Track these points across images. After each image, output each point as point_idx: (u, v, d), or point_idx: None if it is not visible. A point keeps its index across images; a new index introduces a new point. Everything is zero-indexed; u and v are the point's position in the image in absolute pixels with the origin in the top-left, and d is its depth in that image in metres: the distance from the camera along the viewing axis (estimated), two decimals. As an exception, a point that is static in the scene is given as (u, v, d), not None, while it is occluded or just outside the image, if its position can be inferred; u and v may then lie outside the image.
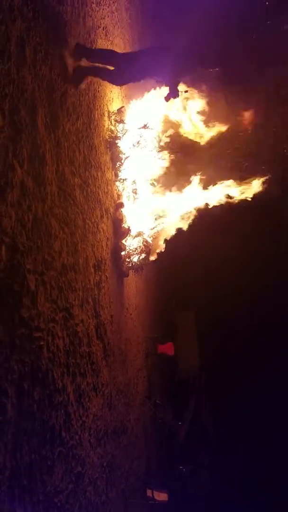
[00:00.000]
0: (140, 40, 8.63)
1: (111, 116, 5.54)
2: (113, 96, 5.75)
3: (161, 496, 6.60)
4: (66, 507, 2.92)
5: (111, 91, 5.60)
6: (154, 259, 7.06)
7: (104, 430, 4.27)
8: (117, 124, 5.58)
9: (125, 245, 5.93)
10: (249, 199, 6.14)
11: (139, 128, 5.83)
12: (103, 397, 4.32)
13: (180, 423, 12.58)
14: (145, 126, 5.88)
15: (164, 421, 9.66)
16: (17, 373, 2.21)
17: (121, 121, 5.65)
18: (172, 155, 6.04)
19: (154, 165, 6.09)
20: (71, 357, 3.23)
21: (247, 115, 5.91)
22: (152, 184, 6.24)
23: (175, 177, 6.18)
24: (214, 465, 14.45)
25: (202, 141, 5.98)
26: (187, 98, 5.49)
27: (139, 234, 6.43)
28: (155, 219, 6.60)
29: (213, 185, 6.13)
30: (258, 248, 15.55)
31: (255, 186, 6.10)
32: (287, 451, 14.12)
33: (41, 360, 2.59)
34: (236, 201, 6.19)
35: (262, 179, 6.08)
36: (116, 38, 6.07)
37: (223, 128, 5.80)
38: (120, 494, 4.94)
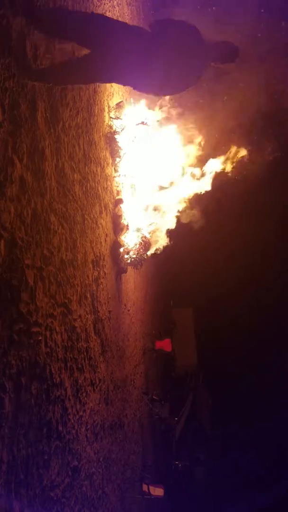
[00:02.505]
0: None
1: (110, 111, 5.52)
2: (113, 91, 5.72)
3: (157, 491, 6.64)
4: (62, 501, 2.94)
5: (111, 86, 5.58)
6: (152, 253, 7.08)
7: (101, 425, 4.29)
8: (115, 119, 5.57)
9: (124, 241, 5.93)
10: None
11: (137, 124, 5.83)
12: (100, 392, 4.33)
13: (176, 419, 12.62)
14: (143, 123, 5.87)
15: (161, 417, 9.69)
16: (15, 368, 2.22)
17: (120, 117, 5.63)
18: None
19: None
20: (68, 352, 3.24)
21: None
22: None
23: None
24: (210, 461, 14.52)
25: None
26: None
27: (137, 230, 6.44)
28: (154, 213, 6.61)
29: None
30: (258, 246, 15.59)
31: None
32: (285, 448, 14.21)
33: (39, 355, 2.60)
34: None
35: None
36: (117, 33, 6.03)
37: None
38: (116, 489, 4.97)
